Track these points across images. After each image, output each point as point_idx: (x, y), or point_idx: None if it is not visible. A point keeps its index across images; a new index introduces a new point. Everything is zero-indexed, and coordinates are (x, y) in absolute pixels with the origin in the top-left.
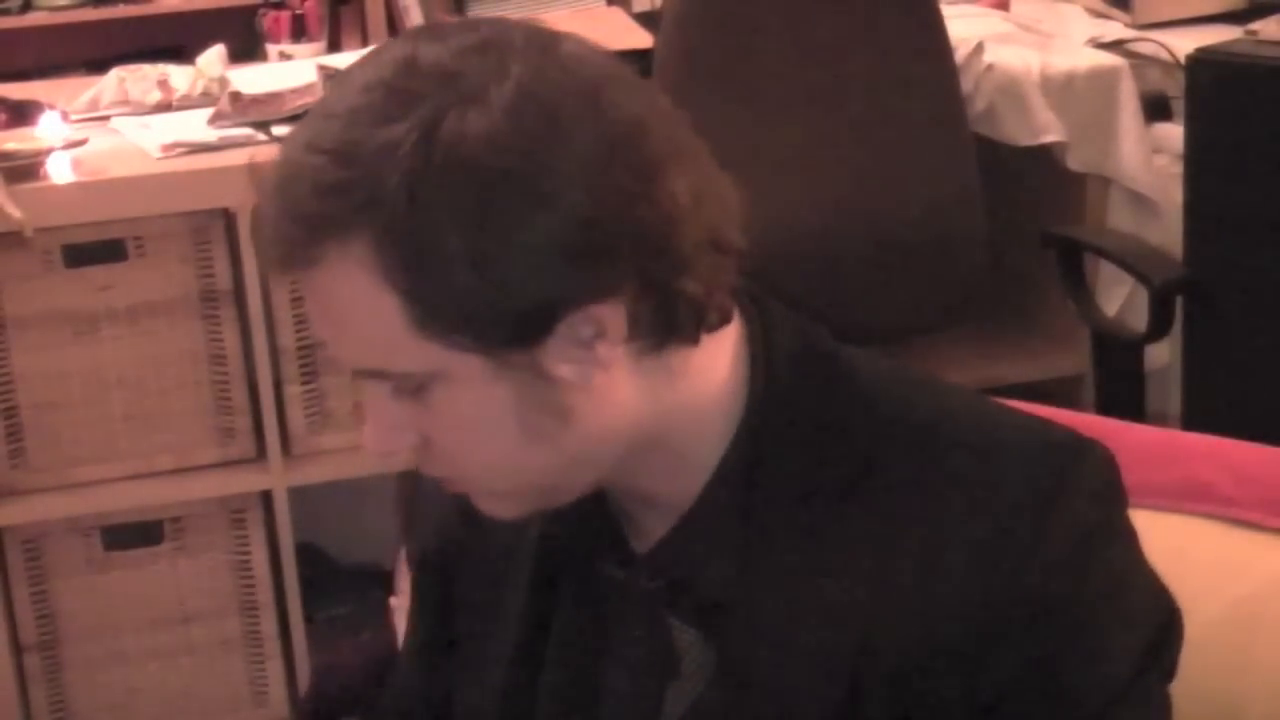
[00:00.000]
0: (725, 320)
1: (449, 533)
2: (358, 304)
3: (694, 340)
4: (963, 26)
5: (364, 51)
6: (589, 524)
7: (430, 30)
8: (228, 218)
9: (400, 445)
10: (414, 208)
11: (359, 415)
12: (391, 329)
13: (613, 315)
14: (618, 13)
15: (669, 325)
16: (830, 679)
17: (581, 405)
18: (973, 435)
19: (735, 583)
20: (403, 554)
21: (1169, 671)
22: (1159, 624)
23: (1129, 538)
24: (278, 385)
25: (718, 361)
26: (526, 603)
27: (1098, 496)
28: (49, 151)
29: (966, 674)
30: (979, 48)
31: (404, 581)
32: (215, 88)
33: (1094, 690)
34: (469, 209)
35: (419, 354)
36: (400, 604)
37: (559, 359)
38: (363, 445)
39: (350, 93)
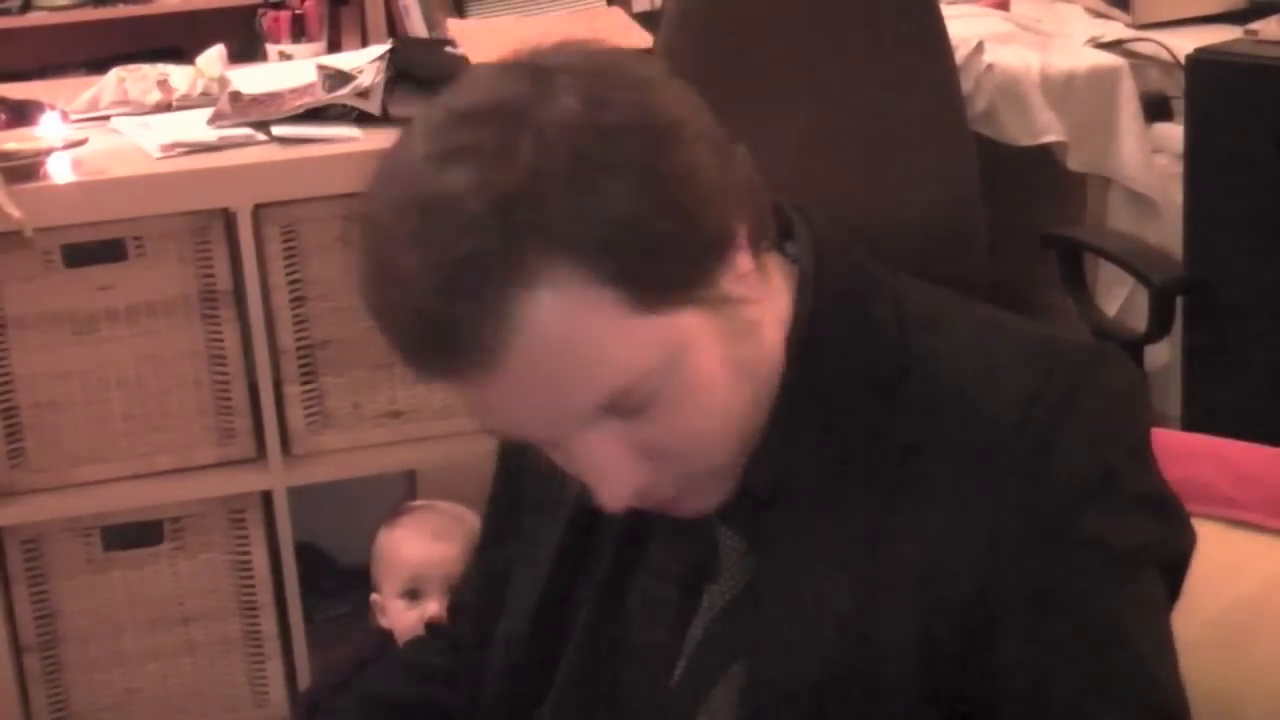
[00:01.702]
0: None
1: None
2: (577, 325)
3: (775, 246)
4: (963, 26)
5: (363, 51)
6: None
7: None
8: (228, 218)
9: (643, 479)
10: (575, 195)
11: (359, 415)
12: (617, 325)
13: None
14: (618, 13)
15: (763, 229)
16: (851, 591)
17: (760, 316)
18: (1000, 338)
19: (775, 487)
20: (378, 546)
21: (1171, 571)
22: (1161, 532)
23: (1144, 449)
24: (278, 385)
25: (773, 278)
26: (580, 499)
27: (1120, 396)
28: (49, 151)
29: (987, 570)
30: (979, 48)
31: (382, 572)
32: (215, 88)
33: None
34: (631, 172)
35: (651, 336)
36: (380, 600)
37: (734, 279)
38: (605, 506)
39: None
